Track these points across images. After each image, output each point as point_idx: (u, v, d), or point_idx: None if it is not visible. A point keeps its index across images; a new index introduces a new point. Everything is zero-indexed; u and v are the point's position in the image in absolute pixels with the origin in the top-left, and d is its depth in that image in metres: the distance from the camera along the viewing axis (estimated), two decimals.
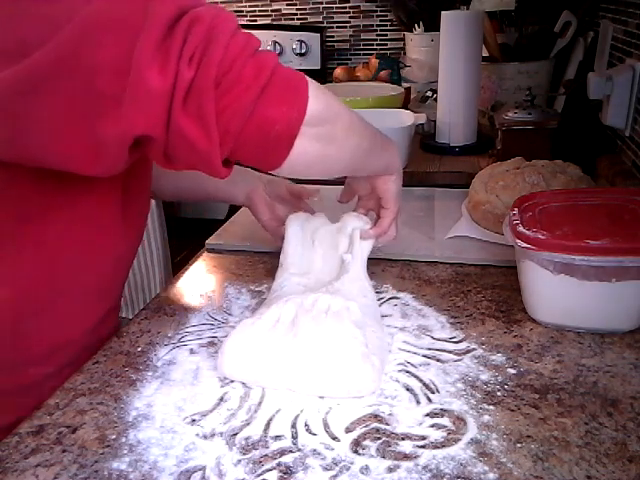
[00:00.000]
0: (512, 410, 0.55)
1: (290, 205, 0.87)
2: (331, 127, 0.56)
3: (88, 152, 0.48)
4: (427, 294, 0.76)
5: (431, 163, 1.29)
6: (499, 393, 0.57)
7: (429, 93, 1.63)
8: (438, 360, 0.62)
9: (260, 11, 2.20)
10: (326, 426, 0.54)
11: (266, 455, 0.51)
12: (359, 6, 2.15)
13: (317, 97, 0.52)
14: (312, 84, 0.53)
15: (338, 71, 1.88)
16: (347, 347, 0.58)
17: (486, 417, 0.54)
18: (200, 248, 0.95)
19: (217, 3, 2.18)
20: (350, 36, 2.18)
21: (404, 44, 1.94)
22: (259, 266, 0.87)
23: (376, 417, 0.55)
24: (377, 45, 2.19)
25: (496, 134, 1.24)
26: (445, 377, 0.59)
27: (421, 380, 0.59)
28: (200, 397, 0.59)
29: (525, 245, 0.64)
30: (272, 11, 2.19)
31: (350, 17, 2.17)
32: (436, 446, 0.51)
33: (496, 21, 1.61)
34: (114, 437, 0.54)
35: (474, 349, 0.64)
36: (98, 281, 0.67)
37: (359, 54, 2.19)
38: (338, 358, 0.57)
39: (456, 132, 1.35)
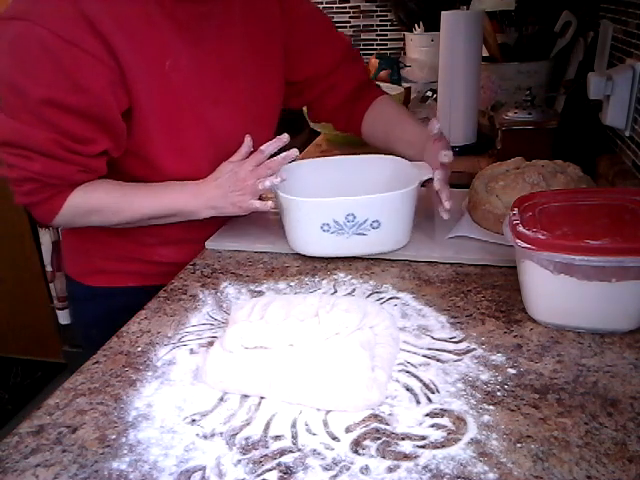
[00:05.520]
0: (512, 410, 0.55)
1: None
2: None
3: None
4: (427, 294, 0.76)
5: None
6: (499, 393, 0.57)
7: (429, 93, 1.63)
8: (438, 360, 0.62)
9: None
10: (326, 426, 0.54)
11: (266, 455, 0.51)
12: (359, 6, 2.15)
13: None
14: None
15: None
16: (350, 360, 0.57)
17: (486, 417, 0.54)
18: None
19: None
20: (350, 36, 2.18)
21: (404, 44, 1.94)
22: (259, 266, 0.87)
23: (376, 417, 0.55)
24: (377, 45, 2.19)
25: (496, 134, 1.24)
26: (445, 377, 0.59)
27: (421, 380, 0.59)
28: (200, 397, 0.59)
29: (525, 245, 0.64)
30: None
31: (350, 17, 2.17)
32: (436, 446, 0.51)
33: (496, 21, 1.61)
34: (114, 437, 0.54)
35: (474, 349, 0.64)
36: None
37: None
38: (340, 372, 0.56)
39: (456, 132, 1.35)
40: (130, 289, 0.98)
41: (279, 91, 1.01)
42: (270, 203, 0.86)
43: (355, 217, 0.81)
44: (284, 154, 0.86)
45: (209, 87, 0.88)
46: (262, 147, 0.87)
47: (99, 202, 0.85)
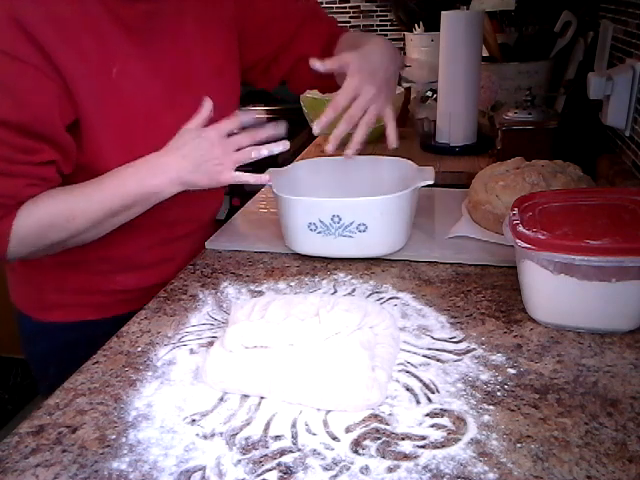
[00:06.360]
0: (512, 410, 0.55)
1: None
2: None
3: None
4: (427, 294, 0.76)
5: (431, 163, 1.28)
6: (499, 393, 0.57)
7: (429, 93, 1.63)
8: (438, 360, 0.62)
9: None
10: (326, 426, 0.54)
11: (266, 455, 0.51)
12: (359, 6, 2.15)
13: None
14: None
15: None
16: (350, 360, 0.57)
17: (486, 417, 0.54)
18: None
19: None
20: None
21: (404, 44, 1.94)
22: (259, 266, 0.87)
23: (376, 417, 0.55)
24: None
25: (496, 134, 1.24)
26: (445, 377, 0.59)
27: (421, 380, 0.59)
28: (200, 397, 0.59)
29: (525, 245, 0.64)
30: None
31: (350, 17, 2.17)
32: (436, 446, 0.51)
33: (496, 21, 1.61)
34: (114, 437, 0.54)
35: (474, 349, 0.64)
36: None
37: None
38: (340, 372, 0.56)
39: (456, 132, 1.35)
40: (90, 322, 0.90)
41: (237, 86, 0.96)
42: (265, 176, 0.80)
43: (341, 219, 0.81)
44: (275, 125, 0.80)
45: (164, 91, 0.81)
46: (238, 112, 0.80)
47: (47, 211, 0.74)
